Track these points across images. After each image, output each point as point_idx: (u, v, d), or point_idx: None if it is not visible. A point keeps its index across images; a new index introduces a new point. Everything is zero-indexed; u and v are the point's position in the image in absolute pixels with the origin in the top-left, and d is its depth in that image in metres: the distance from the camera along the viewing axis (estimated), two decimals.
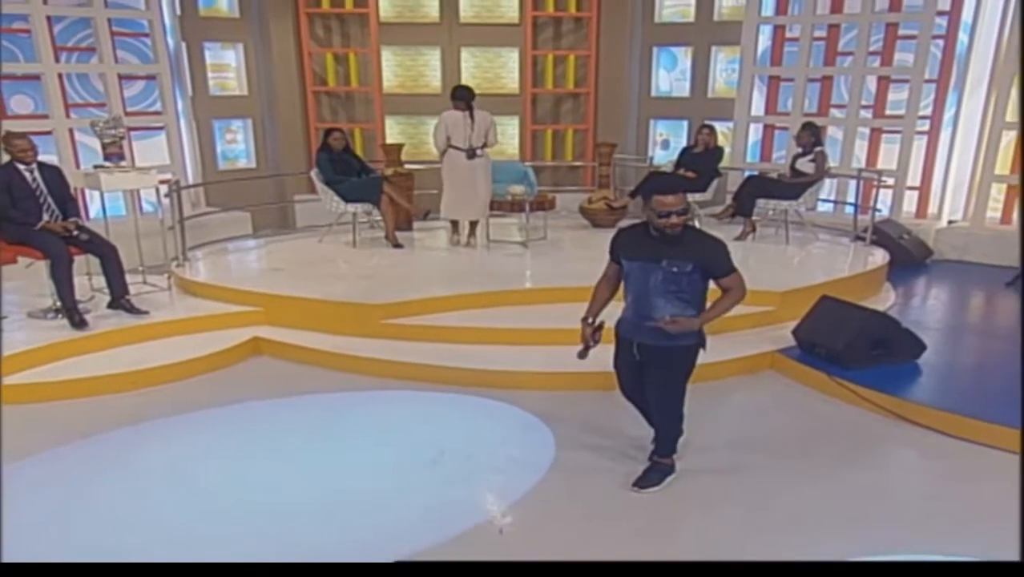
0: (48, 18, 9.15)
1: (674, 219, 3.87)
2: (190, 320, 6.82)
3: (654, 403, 4.31)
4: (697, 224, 9.45)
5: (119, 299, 6.71)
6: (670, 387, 4.22)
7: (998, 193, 9.85)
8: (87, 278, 7.17)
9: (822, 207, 10.27)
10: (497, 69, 12.21)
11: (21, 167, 6.42)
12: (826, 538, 3.99)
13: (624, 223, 4.35)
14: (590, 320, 4.28)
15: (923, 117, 10.05)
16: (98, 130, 7.19)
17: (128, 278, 7.00)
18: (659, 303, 3.98)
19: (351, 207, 8.74)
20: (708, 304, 4.14)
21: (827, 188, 10.09)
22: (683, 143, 11.15)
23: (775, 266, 8.28)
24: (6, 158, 6.48)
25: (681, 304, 3.99)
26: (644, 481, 4.34)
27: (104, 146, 7.16)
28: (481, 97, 11.68)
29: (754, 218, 9.20)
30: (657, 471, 4.40)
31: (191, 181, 10.33)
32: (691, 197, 9.46)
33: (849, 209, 9.60)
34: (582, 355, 4.29)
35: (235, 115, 11.51)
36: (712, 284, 4.14)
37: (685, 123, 11.83)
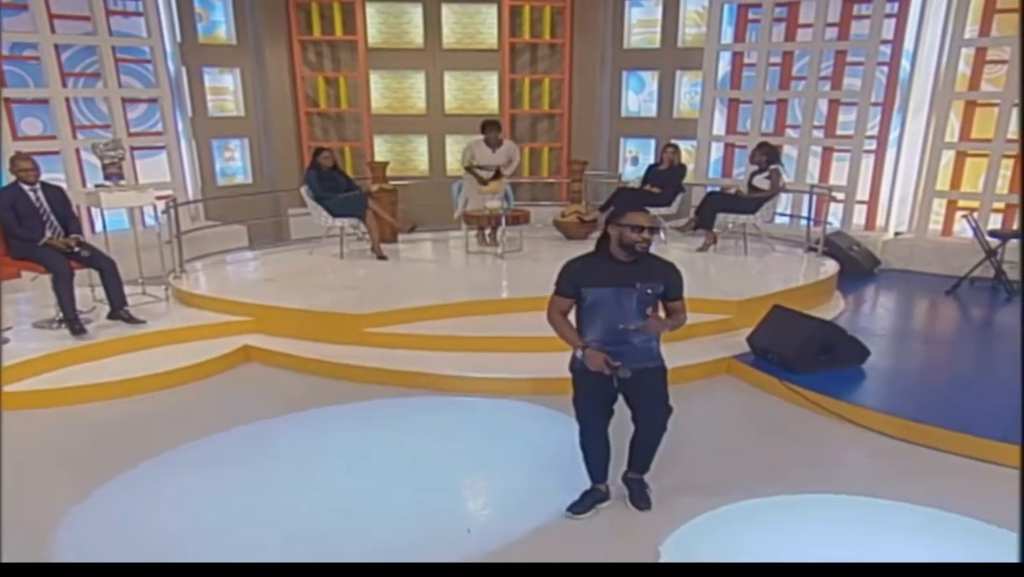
0: (56, 46, 9.04)
1: (646, 234, 3.73)
2: (185, 329, 6.75)
3: (652, 423, 4.04)
4: (662, 236, 9.52)
5: (118, 310, 6.66)
6: (664, 401, 4.03)
7: (939, 207, 9.88)
8: (89, 290, 7.08)
9: (779, 220, 10.29)
10: (478, 91, 12.18)
11: (25, 187, 6.37)
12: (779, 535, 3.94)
13: (573, 256, 4.06)
14: (589, 343, 3.86)
15: (870, 137, 10.07)
16: (99, 152, 7.11)
17: (128, 289, 6.96)
18: (636, 325, 3.80)
19: (338, 221, 8.69)
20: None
21: (783, 202, 10.10)
22: (651, 160, 11.13)
23: (733, 276, 8.27)
24: (11, 179, 6.41)
25: None
26: (644, 501, 4.16)
27: (104, 166, 7.08)
28: (463, 117, 11.82)
29: (715, 231, 9.19)
30: (647, 487, 4.22)
31: (191, 197, 10.22)
32: (656, 211, 9.47)
33: (804, 222, 9.60)
34: (613, 368, 3.79)
35: (233, 135, 11.42)
36: None
37: (652, 141, 11.80)
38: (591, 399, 4.00)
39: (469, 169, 9.21)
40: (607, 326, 3.82)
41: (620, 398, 4.07)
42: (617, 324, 3.80)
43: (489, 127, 9.25)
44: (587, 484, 4.19)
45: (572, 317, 4.00)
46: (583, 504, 4.12)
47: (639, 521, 4.09)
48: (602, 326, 3.84)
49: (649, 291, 3.78)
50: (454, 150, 11.93)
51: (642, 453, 4.14)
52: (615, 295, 3.78)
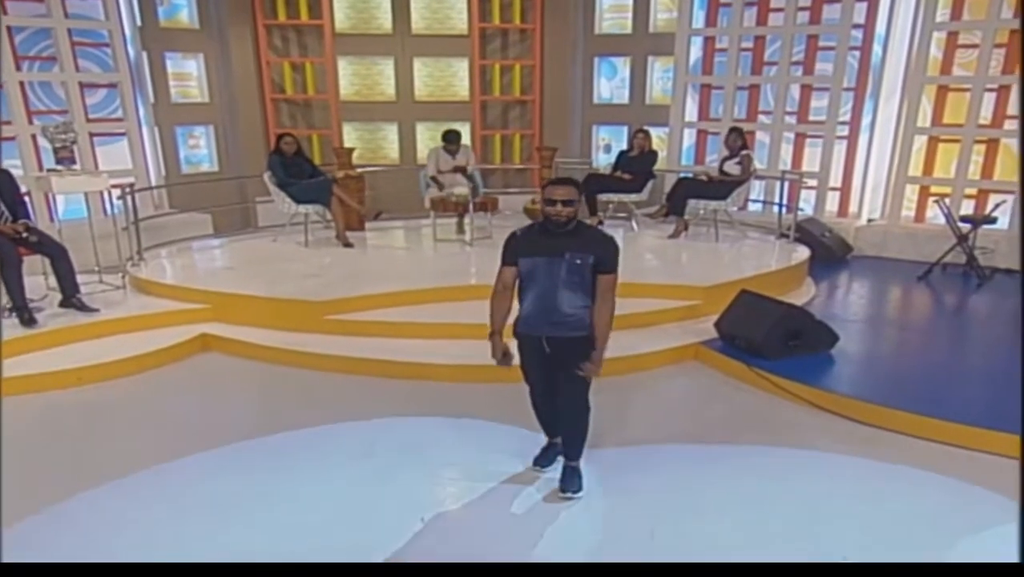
0: (8, 28, 8.82)
1: (559, 207, 3.76)
2: (140, 317, 6.57)
3: (569, 397, 4.03)
4: (635, 225, 9.43)
5: (70, 298, 6.47)
6: (582, 378, 3.99)
7: (912, 193, 9.85)
8: (43, 278, 6.89)
9: (752, 207, 10.23)
10: (448, 78, 12.04)
11: None
12: (746, 524, 3.85)
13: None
14: (500, 331, 4.04)
15: (843, 123, 10.03)
16: (49, 135, 6.90)
17: (85, 277, 6.77)
18: (565, 295, 3.85)
19: (302, 208, 8.53)
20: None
21: (756, 189, 10.03)
22: (624, 147, 11.04)
23: (703, 262, 8.20)
24: None
25: (580, 294, 3.87)
26: (573, 486, 4.10)
27: (56, 150, 6.88)
28: (433, 104, 11.69)
29: (686, 217, 9.10)
30: (577, 474, 4.16)
31: (153, 185, 10.01)
32: (628, 197, 9.41)
33: (776, 208, 9.53)
34: (505, 360, 4.05)
35: (197, 121, 11.22)
36: None
37: (625, 128, 11.69)
38: (531, 363, 4.11)
39: (434, 179, 9.21)
40: (539, 292, 3.89)
41: None
42: (548, 292, 3.87)
43: (451, 135, 9.31)
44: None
45: None
46: (546, 457, 4.37)
47: (595, 508, 4.00)
48: (535, 292, 3.91)
49: (578, 261, 3.81)
50: (425, 138, 11.80)
51: (568, 431, 4.16)
52: (546, 264, 3.85)
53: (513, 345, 4.10)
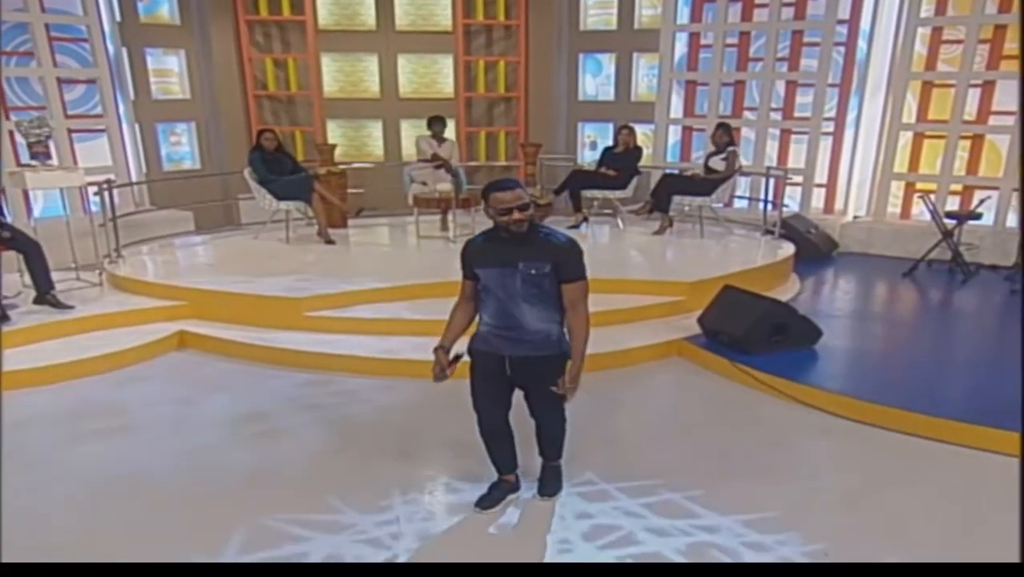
0: None
1: (515, 215, 3.39)
2: (116, 315, 6.48)
3: (543, 412, 3.84)
4: (620, 222, 9.38)
5: (44, 295, 6.39)
6: (554, 394, 3.71)
7: (897, 190, 9.84)
8: (17, 275, 6.79)
9: (738, 204, 10.20)
10: (433, 75, 11.99)
11: None
12: (729, 518, 3.79)
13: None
14: (447, 347, 3.67)
15: (828, 119, 10.00)
16: (23, 130, 6.82)
17: (61, 275, 6.67)
18: (525, 308, 3.53)
19: (284, 205, 8.45)
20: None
21: (742, 185, 9.99)
22: (610, 143, 10.98)
23: (688, 258, 8.19)
24: None
25: (545, 308, 3.55)
26: (551, 488, 3.99)
27: (30, 145, 6.79)
28: (417, 101, 11.60)
29: (671, 214, 9.06)
30: (557, 474, 4.05)
31: (132, 181, 9.91)
32: (613, 194, 9.36)
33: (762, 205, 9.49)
34: (440, 378, 3.66)
35: (179, 118, 11.12)
36: None
37: (611, 126, 11.62)
38: (484, 386, 3.77)
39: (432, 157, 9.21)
40: (496, 307, 3.59)
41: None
42: (505, 307, 3.57)
43: (435, 122, 9.36)
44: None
45: None
46: (491, 497, 3.93)
47: (577, 509, 3.92)
48: (493, 307, 3.60)
49: (533, 271, 3.47)
50: (409, 135, 11.71)
51: (547, 443, 3.98)
52: (500, 275, 3.53)
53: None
